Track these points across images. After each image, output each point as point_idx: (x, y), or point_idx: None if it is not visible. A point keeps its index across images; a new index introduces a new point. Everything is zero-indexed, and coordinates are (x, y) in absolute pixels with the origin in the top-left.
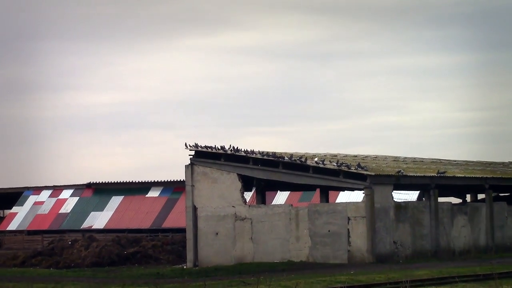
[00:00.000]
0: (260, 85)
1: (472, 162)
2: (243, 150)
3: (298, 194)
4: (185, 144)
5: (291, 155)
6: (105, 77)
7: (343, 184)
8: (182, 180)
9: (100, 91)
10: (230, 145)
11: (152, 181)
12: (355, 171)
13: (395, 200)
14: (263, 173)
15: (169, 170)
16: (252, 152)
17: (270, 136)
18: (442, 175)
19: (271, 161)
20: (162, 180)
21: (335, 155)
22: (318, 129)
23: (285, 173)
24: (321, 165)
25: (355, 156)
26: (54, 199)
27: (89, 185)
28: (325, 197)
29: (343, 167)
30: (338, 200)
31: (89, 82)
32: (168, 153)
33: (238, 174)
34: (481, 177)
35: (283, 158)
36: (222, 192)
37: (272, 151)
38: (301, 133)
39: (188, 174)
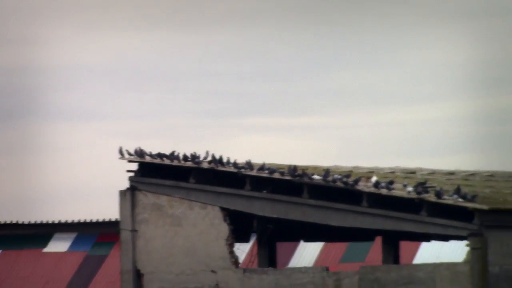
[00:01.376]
0: (261, 39)
1: None
2: (231, 161)
3: (341, 247)
4: (120, 150)
5: (326, 172)
6: None
7: (427, 228)
8: (114, 220)
9: None
10: (207, 152)
11: (56, 222)
12: (450, 202)
13: None
14: (272, 206)
15: (88, 200)
16: (249, 165)
17: (283, 135)
18: None
19: (287, 183)
20: (75, 221)
21: (412, 172)
22: (378, 121)
23: (314, 207)
24: (384, 191)
25: (451, 173)
26: None
27: None
28: (392, 253)
29: (427, 196)
30: (417, 260)
31: None
32: (87, 167)
33: (222, 209)
34: None
35: (310, 177)
36: (192, 244)
37: (287, 163)
38: (345, 129)
39: (126, 207)
